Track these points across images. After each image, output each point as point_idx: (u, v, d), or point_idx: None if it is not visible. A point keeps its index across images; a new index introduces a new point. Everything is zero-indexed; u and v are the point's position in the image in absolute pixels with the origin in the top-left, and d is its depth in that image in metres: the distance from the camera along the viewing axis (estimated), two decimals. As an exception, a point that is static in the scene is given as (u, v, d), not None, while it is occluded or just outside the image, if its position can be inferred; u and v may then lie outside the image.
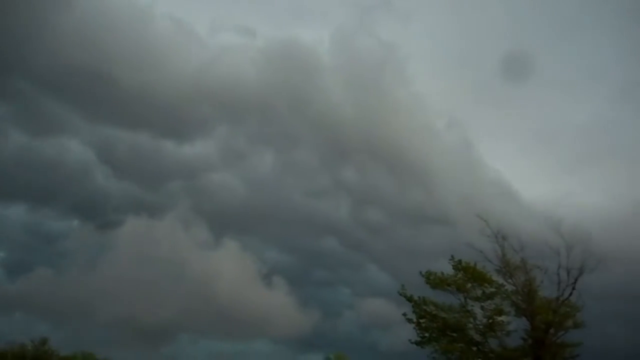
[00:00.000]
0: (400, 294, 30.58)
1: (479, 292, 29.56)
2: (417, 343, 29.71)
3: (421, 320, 29.74)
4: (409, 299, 30.23)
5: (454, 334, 29.27)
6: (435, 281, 30.22)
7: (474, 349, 28.97)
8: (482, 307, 29.45)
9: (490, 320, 29.19)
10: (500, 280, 29.38)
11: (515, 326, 29.08)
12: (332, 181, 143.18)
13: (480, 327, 29.30)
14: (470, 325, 29.52)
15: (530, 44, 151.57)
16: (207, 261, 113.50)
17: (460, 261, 30.11)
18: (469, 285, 29.64)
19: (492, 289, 29.42)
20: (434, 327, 29.67)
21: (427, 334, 29.62)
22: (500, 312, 29.25)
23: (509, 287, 29.18)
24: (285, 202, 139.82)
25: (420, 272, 30.96)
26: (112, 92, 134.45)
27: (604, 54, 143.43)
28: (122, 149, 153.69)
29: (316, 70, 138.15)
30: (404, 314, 30.45)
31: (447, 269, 30.52)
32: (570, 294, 27.97)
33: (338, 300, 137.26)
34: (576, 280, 27.77)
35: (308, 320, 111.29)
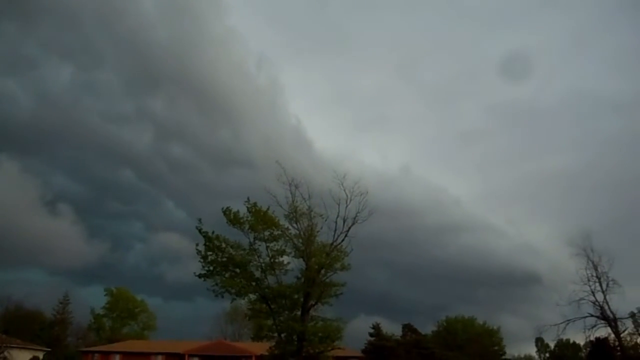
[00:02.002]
0: (197, 228, 31.19)
1: (266, 234, 31.53)
2: (200, 276, 30.86)
3: (209, 253, 30.82)
4: (203, 234, 31.00)
5: (237, 270, 31.00)
6: (232, 219, 31.37)
7: (253, 284, 31.10)
8: (267, 248, 31.57)
9: (272, 260, 31.50)
10: (287, 225, 31.81)
11: (293, 266, 31.88)
12: (136, 109, 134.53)
13: (263, 265, 31.49)
14: (254, 263, 31.55)
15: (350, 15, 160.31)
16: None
17: (255, 204, 31.72)
18: (260, 226, 31.42)
19: (279, 232, 31.62)
20: (219, 262, 31.03)
21: (211, 268, 30.87)
22: (282, 253, 31.73)
23: (293, 231, 31.81)
24: (80, 124, 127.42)
25: (222, 209, 31.91)
26: None
27: (394, 28, 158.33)
28: None
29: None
30: (197, 244, 31.19)
31: (245, 210, 31.86)
32: (342, 241, 31.73)
33: (130, 234, 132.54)
34: (349, 229, 31.61)
35: (94, 251, 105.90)
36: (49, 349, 60.28)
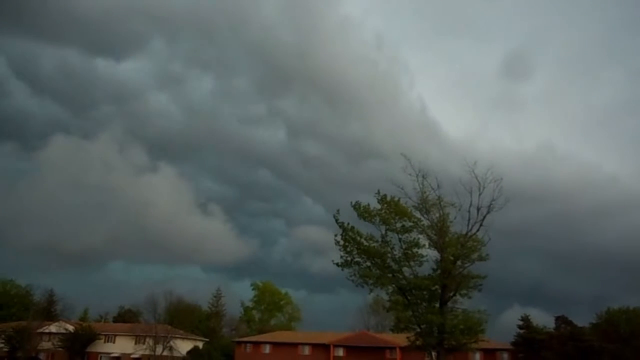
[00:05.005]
0: (334, 217, 31.90)
1: (398, 226, 31.29)
2: (339, 264, 31.53)
3: (346, 244, 31.37)
4: (340, 225, 31.65)
5: (374, 260, 31.15)
6: (362, 212, 31.69)
7: (389, 275, 31.03)
8: (400, 239, 31.31)
9: (407, 251, 31.14)
10: (418, 215, 31.28)
11: (427, 257, 31.30)
12: (268, 110, 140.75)
13: (397, 256, 31.30)
14: (389, 255, 31.47)
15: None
16: (142, 187, 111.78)
17: (385, 196, 31.63)
18: (392, 218, 31.27)
19: (411, 223, 31.22)
20: (357, 251, 31.42)
21: (349, 258, 31.40)
22: (416, 245, 31.22)
23: (425, 222, 31.21)
24: (221, 130, 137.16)
25: (351, 203, 32.31)
26: (33, 2, 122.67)
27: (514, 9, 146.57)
28: (44, 65, 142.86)
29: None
30: (335, 235, 31.86)
31: (376, 202, 31.92)
32: (478, 230, 30.44)
33: (273, 230, 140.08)
34: (484, 217, 30.21)
35: (242, 248, 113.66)
36: (207, 339, 65.90)
